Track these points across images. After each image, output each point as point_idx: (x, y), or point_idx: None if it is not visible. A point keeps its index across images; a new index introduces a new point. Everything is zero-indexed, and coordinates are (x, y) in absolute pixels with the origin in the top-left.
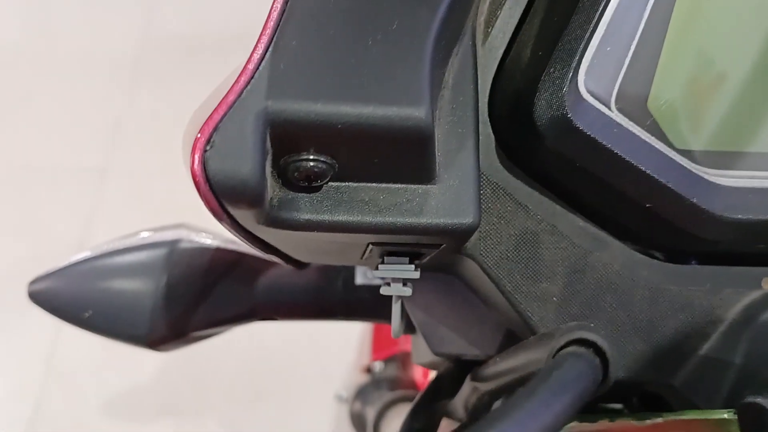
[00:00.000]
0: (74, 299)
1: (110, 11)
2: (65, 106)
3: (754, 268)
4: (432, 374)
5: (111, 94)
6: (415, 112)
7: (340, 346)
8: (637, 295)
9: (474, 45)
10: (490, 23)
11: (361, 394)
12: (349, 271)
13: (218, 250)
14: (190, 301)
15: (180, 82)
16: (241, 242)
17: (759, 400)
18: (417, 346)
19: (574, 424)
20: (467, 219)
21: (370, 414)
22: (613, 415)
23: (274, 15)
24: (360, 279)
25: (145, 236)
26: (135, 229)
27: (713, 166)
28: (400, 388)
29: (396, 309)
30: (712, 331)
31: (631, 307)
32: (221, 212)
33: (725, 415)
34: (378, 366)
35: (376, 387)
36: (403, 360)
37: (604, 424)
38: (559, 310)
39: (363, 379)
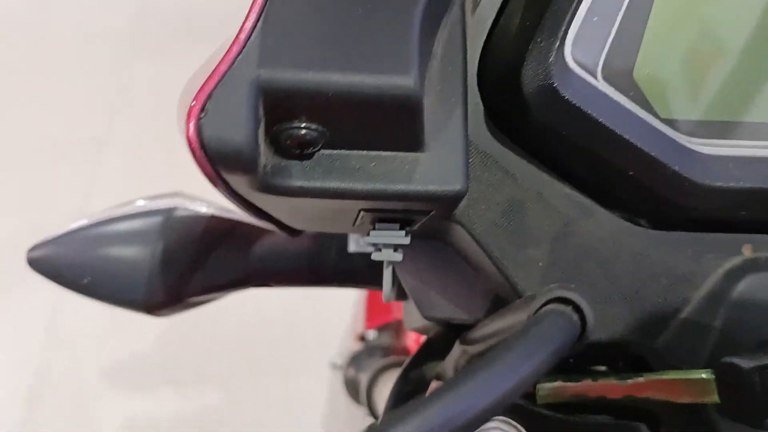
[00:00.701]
0: (73, 266)
1: None
2: (64, 78)
3: (734, 234)
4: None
5: (110, 65)
6: (403, 81)
7: (338, 316)
8: (621, 260)
9: (463, 15)
10: None
11: (355, 361)
12: (342, 239)
13: (213, 218)
14: (185, 267)
15: (179, 52)
16: (236, 210)
17: (735, 360)
18: (408, 312)
19: (558, 383)
20: (455, 186)
21: (363, 380)
22: (597, 375)
23: None
24: (353, 246)
25: (142, 204)
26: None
27: (696, 135)
28: (392, 355)
29: (387, 274)
30: (693, 295)
31: (614, 272)
32: (216, 178)
33: (703, 375)
34: (371, 334)
35: (369, 354)
36: (396, 328)
37: (587, 383)
38: (544, 275)
39: (357, 346)
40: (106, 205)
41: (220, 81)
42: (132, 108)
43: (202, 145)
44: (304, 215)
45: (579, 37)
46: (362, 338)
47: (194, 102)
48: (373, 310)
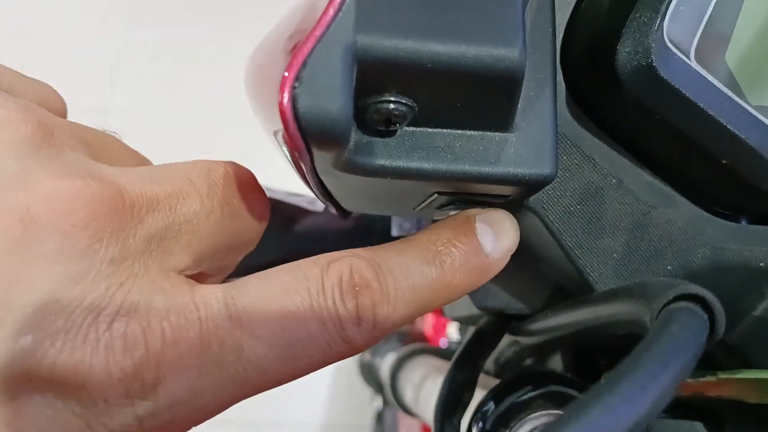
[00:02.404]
0: None
1: None
2: (62, 44)
3: None
4: (450, 327)
5: (110, 31)
6: (509, 53)
7: None
8: (698, 253)
9: None
10: None
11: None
12: (385, 222)
13: None
14: None
15: (180, 19)
16: (275, 188)
17: None
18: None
19: None
20: (545, 170)
21: (385, 365)
22: None
23: None
24: (396, 231)
25: None
26: None
27: None
28: (408, 340)
29: None
30: None
31: (691, 265)
32: (305, 153)
33: None
34: None
35: (386, 339)
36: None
37: None
38: (618, 266)
39: None
40: None
41: (314, 47)
42: (134, 76)
43: (296, 117)
44: (368, 196)
45: (676, 15)
46: None
47: (287, 71)
48: None
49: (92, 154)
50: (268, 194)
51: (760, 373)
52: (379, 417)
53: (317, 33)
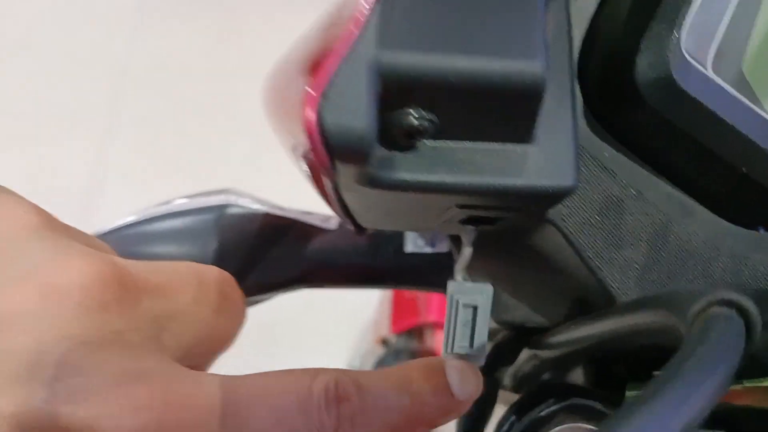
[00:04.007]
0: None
1: None
2: (67, 54)
3: None
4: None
5: (114, 41)
6: (532, 66)
7: (350, 318)
8: (720, 263)
9: (567, 1)
10: None
11: (382, 364)
12: (399, 239)
13: (267, 216)
14: (240, 265)
15: (185, 27)
16: (289, 207)
17: None
18: None
19: None
20: (567, 181)
21: None
22: None
23: None
24: (410, 247)
25: (184, 202)
26: (144, 177)
27: None
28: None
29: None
30: None
31: (712, 276)
32: (329, 168)
33: None
34: (394, 339)
35: (397, 357)
36: (421, 332)
37: None
38: (639, 278)
39: (379, 350)
40: (114, 185)
41: (339, 66)
42: (140, 85)
43: (323, 134)
44: (387, 212)
45: (693, 26)
46: (384, 342)
47: (312, 89)
48: (399, 314)
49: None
50: (281, 213)
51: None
52: None
53: (342, 51)
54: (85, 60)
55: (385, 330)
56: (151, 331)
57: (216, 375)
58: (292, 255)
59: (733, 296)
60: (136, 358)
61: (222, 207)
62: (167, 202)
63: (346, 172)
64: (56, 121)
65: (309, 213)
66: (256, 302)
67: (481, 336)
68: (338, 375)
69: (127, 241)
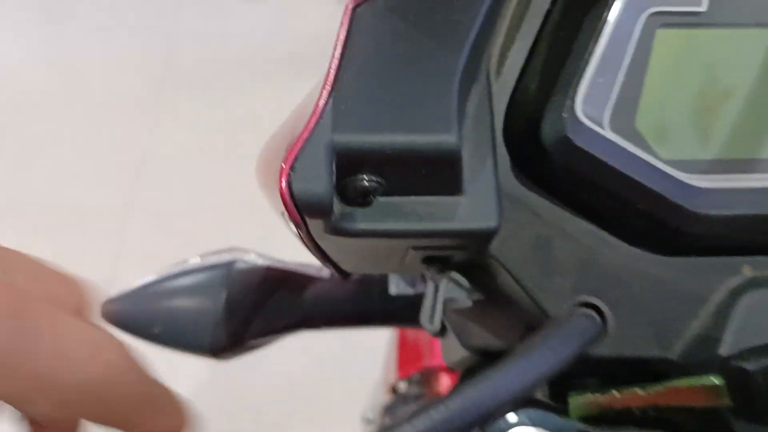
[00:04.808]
0: (144, 317)
1: (131, 46)
2: (90, 145)
3: (736, 257)
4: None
5: (135, 131)
6: (447, 138)
7: (366, 367)
8: (637, 284)
9: (489, 82)
10: (501, 63)
11: (390, 410)
12: (383, 284)
13: (269, 269)
14: (247, 313)
15: (202, 115)
16: (286, 261)
17: (744, 364)
18: (447, 347)
19: (588, 395)
20: (490, 223)
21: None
22: (622, 387)
23: (334, 64)
24: (393, 289)
25: (197, 261)
26: (163, 262)
27: (694, 172)
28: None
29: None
30: (703, 311)
31: (632, 295)
32: (301, 223)
33: (714, 379)
34: (403, 385)
35: (404, 402)
36: (427, 376)
37: (613, 395)
38: (571, 301)
39: (389, 399)
40: (135, 269)
41: (303, 146)
42: (158, 173)
43: (292, 197)
44: (358, 256)
45: (588, 95)
46: (394, 390)
47: (284, 164)
48: (404, 360)
49: None
50: (281, 266)
51: (697, 379)
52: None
53: (304, 135)
54: (105, 153)
55: (393, 377)
56: None
57: None
58: (291, 302)
59: (590, 299)
60: None
61: (230, 264)
62: (183, 262)
63: (316, 225)
64: (79, 212)
65: (306, 265)
66: (261, 345)
67: None
68: None
69: (148, 297)
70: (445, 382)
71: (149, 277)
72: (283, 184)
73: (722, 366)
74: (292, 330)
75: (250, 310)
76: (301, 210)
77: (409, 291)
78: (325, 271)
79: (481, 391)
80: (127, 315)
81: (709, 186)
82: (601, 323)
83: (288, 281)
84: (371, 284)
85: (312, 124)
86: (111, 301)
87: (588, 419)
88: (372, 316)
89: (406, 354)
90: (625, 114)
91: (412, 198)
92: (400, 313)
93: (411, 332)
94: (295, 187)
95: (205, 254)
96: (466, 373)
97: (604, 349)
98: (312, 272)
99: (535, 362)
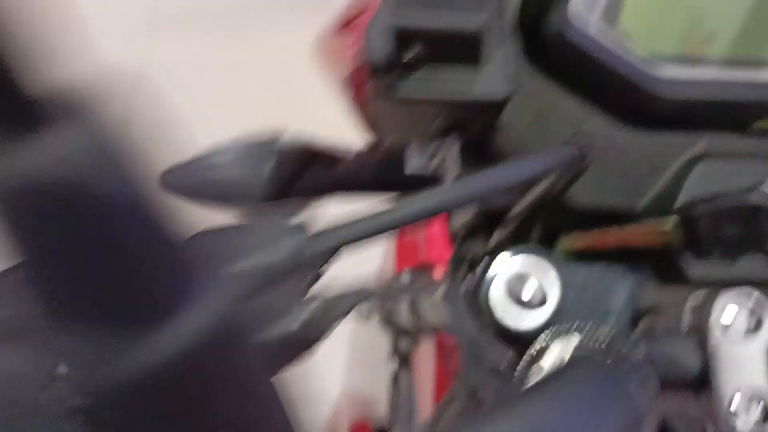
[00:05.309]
0: (198, 186)
1: None
2: None
3: (694, 132)
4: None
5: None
6: (478, 18)
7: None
8: (614, 149)
9: None
10: None
11: (388, 296)
12: (400, 165)
13: (305, 147)
14: (287, 179)
15: None
16: (318, 143)
17: (692, 212)
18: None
19: (575, 234)
20: (504, 90)
21: (404, 302)
22: (601, 230)
23: None
24: (410, 170)
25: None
26: None
27: (659, 65)
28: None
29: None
30: (665, 174)
31: (609, 157)
32: (366, 84)
33: (668, 224)
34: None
35: (400, 290)
36: (422, 269)
37: (595, 235)
38: None
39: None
40: None
41: (372, 21)
42: None
43: (365, 56)
44: (395, 121)
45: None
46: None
47: (358, 34)
48: (402, 256)
49: None
50: (317, 146)
51: (654, 222)
52: (395, 380)
53: (371, 15)
54: None
55: (391, 272)
56: None
57: None
58: (324, 172)
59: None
60: None
61: (272, 141)
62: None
63: (374, 87)
64: None
65: (335, 147)
66: (303, 204)
67: None
68: None
69: (201, 168)
70: (440, 273)
71: (202, 151)
72: (358, 49)
73: (676, 214)
74: (327, 193)
75: (290, 177)
76: (371, 67)
77: (423, 172)
78: (351, 154)
79: (488, 176)
80: (184, 184)
81: (671, 76)
82: (581, 156)
83: (321, 156)
84: (389, 164)
85: (375, 8)
86: (168, 172)
87: (578, 255)
88: (389, 186)
89: (404, 251)
90: (610, 14)
91: (446, 66)
92: (411, 184)
93: (408, 236)
94: (368, 49)
95: (251, 134)
96: (468, 233)
97: (584, 198)
98: (340, 153)
99: (529, 164)
